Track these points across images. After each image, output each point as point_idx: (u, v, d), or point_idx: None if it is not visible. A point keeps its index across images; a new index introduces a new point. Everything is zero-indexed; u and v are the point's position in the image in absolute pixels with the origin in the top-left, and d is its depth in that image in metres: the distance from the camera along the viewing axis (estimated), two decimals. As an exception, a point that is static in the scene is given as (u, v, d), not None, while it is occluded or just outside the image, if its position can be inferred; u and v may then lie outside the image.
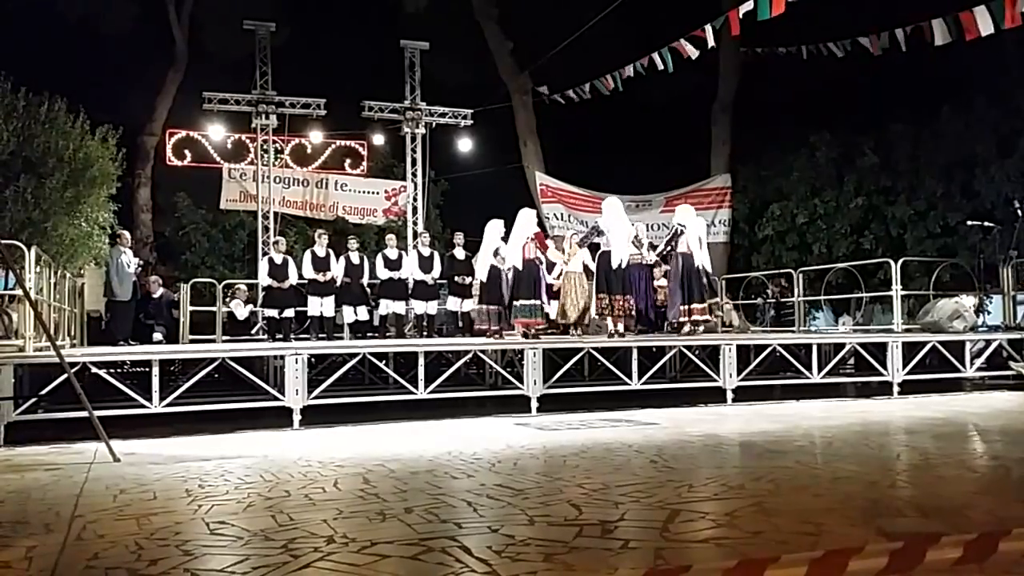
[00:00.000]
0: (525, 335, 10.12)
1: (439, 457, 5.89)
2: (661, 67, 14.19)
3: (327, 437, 7.28)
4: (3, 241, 7.16)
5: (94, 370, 7.89)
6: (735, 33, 12.81)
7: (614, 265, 10.28)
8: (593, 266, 10.87)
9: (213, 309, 13.89)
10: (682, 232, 10.95)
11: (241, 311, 13.98)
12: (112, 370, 8.92)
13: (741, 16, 11.86)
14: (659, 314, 11.95)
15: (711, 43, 13.00)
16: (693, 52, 13.34)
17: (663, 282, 11.97)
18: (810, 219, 16.96)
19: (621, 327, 10.35)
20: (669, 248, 11.19)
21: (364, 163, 19.24)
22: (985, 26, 10.91)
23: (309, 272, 12.43)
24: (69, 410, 7.04)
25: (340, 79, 17.77)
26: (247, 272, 16.51)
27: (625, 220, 10.85)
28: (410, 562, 3.22)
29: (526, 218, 10.69)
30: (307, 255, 12.63)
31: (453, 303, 12.95)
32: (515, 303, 10.37)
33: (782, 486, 4.62)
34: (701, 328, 10.91)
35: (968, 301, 11.87)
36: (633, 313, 10.61)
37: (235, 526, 3.85)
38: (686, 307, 10.80)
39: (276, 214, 16.85)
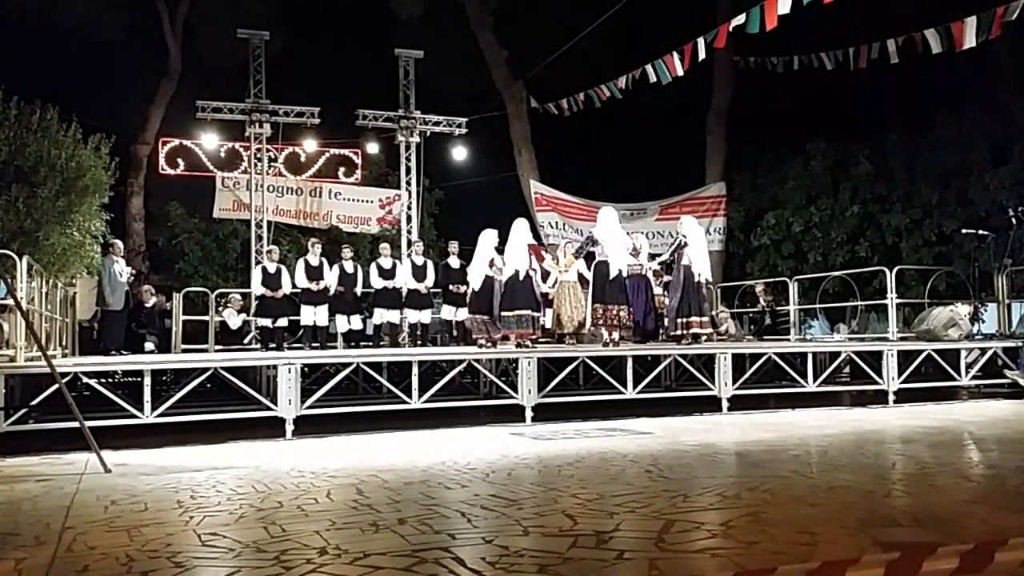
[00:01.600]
0: (519, 345, 10.09)
1: (433, 467, 5.86)
2: (654, 79, 14.26)
3: (320, 447, 7.24)
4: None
5: (85, 380, 7.84)
6: (722, 46, 12.86)
7: (611, 275, 10.24)
8: (588, 275, 10.84)
9: (206, 318, 13.83)
10: (685, 244, 10.94)
11: (234, 320, 13.94)
12: (103, 380, 8.86)
13: (731, 29, 11.91)
14: (659, 324, 11.90)
15: (702, 55, 13.06)
16: (680, 70, 13.41)
17: (659, 290, 11.94)
18: (805, 227, 17.00)
19: (616, 336, 10.32)
20: (672, 259, 11.17)
21: (358, 172, 19.22)
22: (970, 38, 11.07)
23: (302, 281, 12.38)
24: (60, 420, 6.98)
25: (334, 87, 17.77)
26: (240, 281, 16.46)
27: (620, 230, 10.84)
28: (403, 573, 3.19)
29: (523, 228, 10.68)
30: (300, 264, 12.58)
31: (447, 312, 12.92)
32: (505, 314, 10.32)
33: (777, 496, 4.60)
34: (703, 339, 10.89)
35: (963, 309, 11.87)
36: (628, 324, 10.57)
37: (227, 538, 3.82)
38: (684, 320, 10.80)
39: (269, 223, 16.82)
